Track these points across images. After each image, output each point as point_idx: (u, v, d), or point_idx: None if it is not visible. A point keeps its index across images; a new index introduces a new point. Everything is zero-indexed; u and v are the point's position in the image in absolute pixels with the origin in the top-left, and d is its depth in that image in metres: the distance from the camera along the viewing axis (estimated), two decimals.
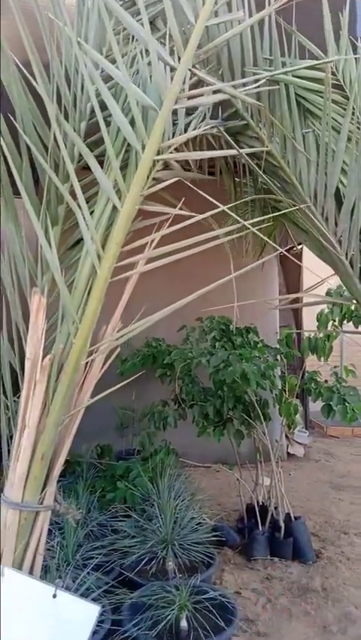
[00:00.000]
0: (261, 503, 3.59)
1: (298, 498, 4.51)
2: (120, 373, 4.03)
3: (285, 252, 1.21)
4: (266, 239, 1.16)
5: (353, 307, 3.37)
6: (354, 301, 1.21)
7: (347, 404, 3.09)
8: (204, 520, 2.85)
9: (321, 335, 3.41)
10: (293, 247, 7.04)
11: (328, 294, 3.61)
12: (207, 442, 3.62)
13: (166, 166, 1.49)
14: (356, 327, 3.31)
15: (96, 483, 3.20)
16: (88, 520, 2.70)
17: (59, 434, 1.30)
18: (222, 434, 3.60)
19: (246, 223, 1.05)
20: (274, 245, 1.19)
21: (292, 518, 3.45)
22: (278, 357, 3.69)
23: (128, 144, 1.37)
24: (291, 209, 1.24)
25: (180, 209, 1.29)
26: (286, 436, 5.75)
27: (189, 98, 1.26)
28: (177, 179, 1.26)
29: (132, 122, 1.18)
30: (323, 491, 4.85)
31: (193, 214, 1.13)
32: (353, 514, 4.20)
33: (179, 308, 1.19)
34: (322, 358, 3.34)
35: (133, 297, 1.35)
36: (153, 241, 1.10)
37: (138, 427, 4.34)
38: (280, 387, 3.54)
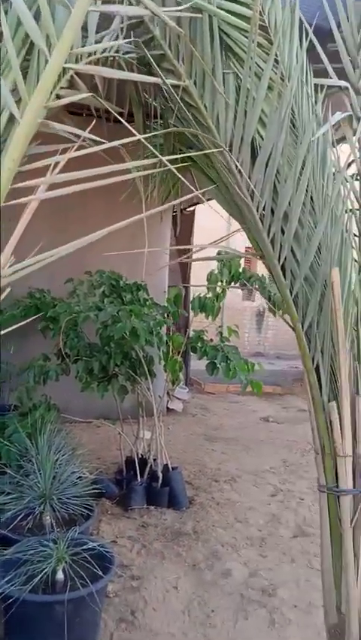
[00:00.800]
0: (141, 456, 3.68)
1: (176, 450, 4.73)
2: None
3: (204, 200, 1.16)
4: (180, 175, 1.09)
5: (240, 269, 3.52)
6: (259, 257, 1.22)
7: (229, 362, 3.26)
8: (83, 474, 2.82)
9: (210, 295, 3.51)
10: (187, 208, 7.09)
11: (219, 253, 3.72)
12: (90, 397, 3.56)
13: (71, 86, 1.31)
14: (242, 290, 3.46)
15: None
16: None
17: None
18: (106, 390, 3.56)
19: (163, 158, 0.96)
20: (189, 185, 1.12)
21: (170, 469, 3.61)
22: (166, 315, 3.73)
23: (28, 52, 1.17)
24: (207, 151, 1.18)
25: (87, 140, 1.15)
26: (168, 393, 5.94)
27: (105, 2, 1.10)
28: (83, 97, 1.11)
29: (37, 18, 1.00)
30: (198, 443, 5.15)
31: (103, 140, 1.01)
32: (224, 463, 4.55)
33: (65, 260, 1.07)
34: (210, 317, 3.44)
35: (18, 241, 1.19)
36: (57, 164, 0.96)
37: (15, 382, 4.09)
38: (167, 344, 3.60)
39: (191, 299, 3.67)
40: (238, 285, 3.53)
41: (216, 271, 3.64)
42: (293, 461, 4.77)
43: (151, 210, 1.05)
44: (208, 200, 1.47)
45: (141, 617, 2.31)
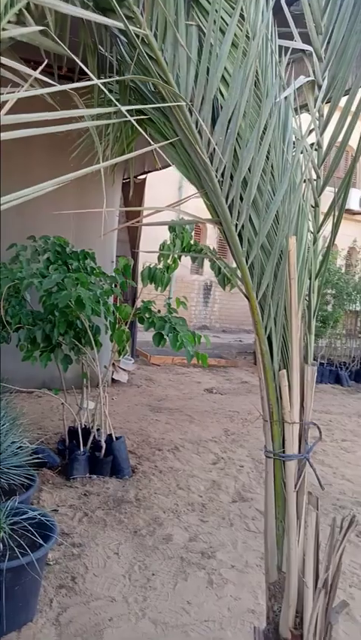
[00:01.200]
0: (84, 426, 3.65)
1: (120, 420, 4.74)
2: None
3: (161, 159, 1.10)
4: (137, 126, 1.02)
5: (192, 241, 3.49)
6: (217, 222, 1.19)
7: (176, 333, 3.26)
8: (24, 444, 2.75)
9: (160, 266, 3.46)
10: (138, 176, 6.91)
11: (170, 228, 3.67)
12: (32, 366, 3.46)
13: (19, 23, 1.19)
14: (193, 262, 3.43)
15: None
16: None
17: None
18: (49, 359, 3.47)
19: (121, 107, 0.89)
20: (146, 136, 1.05)
21: (113, 438, 3.60)
22: (114, 285, 3.65)
23: None
24: (167, 104, 1.12)
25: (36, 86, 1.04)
26: (113, 364, 5.90)
27: None
28: (34, 30, 1.00)
29: None
30: (142, 413, 5.18)
31: (54, 83, 0.92)
32: (167, 433, 4.62)
33: (7, 224, 0.98)
34: (159, 288, 3.40)
35: None
36: (3, 105, 0.86)
37: None
38: (114, 315, 3.53)
39: (141, 269, 3.60)
40: (190, 252, 3.49)
41: (168, 242, 3.59)
42: (235, 431, 4.93)
43: (106, 162, 0.98)
44: (164, 168, 1.41)
45: (81, 583, 2.32)
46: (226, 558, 2.65)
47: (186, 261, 9.96)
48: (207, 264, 11.11)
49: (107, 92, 0.97)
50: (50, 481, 3.31)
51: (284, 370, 1.15)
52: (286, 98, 1.16)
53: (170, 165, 6.57)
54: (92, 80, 1.36)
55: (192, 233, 3.84)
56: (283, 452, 1.18)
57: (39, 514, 2.20)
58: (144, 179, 7.10)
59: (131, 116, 1.64)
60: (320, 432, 1.22)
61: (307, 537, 1.18)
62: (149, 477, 3.58)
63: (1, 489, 2.40)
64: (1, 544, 2.02)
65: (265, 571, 1.25)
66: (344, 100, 1.33)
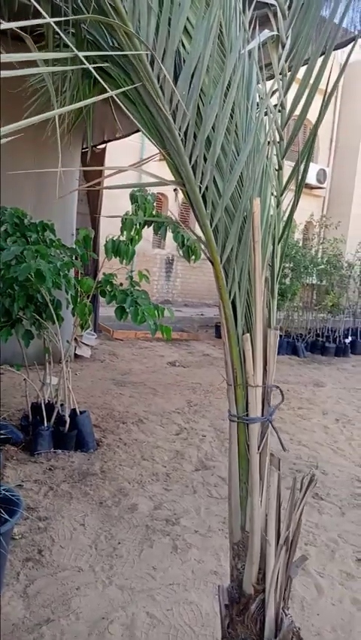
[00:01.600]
0: (47, 401, 3.59)
1: (84, 395, 4.70)
2: None
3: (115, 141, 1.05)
4: (97, 75, 0.96)
5: (154, 212, 3.43)
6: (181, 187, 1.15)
7: (138, 307, 3.22)
8: None
9: (124, 238, 3.39)
10: (98, 145, 6.69)
11: (132, 199, 3.58)
12: None
13: None
14: (156, 234, 3.39)
15: None
16: None
17: None
18: (10, 334, 3.37)
19: (79, 53, 0.83)
20: (107, 87, 0.99)
21: (78, 413, 3.57)
22: (75, 257, 3.56)
23: None
24: (129, 52, 1.05)
25: None
26: (75, 339, 5.81)
27: None
28: None
29: None
30: (106, 387, 5.16)
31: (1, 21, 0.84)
32: (131, 406, 4.63)
33: None
34: (124, 261, 3.34)
35: None
36: None
37: None
38: (76, 288, 3.45)
39: (104, 242, 3.51)
40: (154, 218, 3.43)
41: (130, 213, 3.51)
42: (197, 402, 5.00)
43: (64, 108, 0.92)
44: (124, 137, 1.34)
45: (48, 555, 2.32)
46: (190, 524, 2.71)
47: (147, 234, 9.82)
48: (169, 237, 11.00)
49: (62, 35, 0.90)
50: (14, 457, 3.26)
51: (248, 334, 1.15)
52: (250, 55, 1.13)
53: (131, 134, 6.33)
54: (46, 21, 1.27)
55: (154, 204, 3.77)
56: (247, 415, 1.20)
57: (4, 490, 2.16)
58: (104, 148, 6.88)
59: (90, 74, 1.55)
60: (283, 395, 1.24)
61: (270, 497, 1.22)
62: (114, 449, 3.60)
63: None
64: None
65: (229, 532, 1.28)
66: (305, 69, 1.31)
